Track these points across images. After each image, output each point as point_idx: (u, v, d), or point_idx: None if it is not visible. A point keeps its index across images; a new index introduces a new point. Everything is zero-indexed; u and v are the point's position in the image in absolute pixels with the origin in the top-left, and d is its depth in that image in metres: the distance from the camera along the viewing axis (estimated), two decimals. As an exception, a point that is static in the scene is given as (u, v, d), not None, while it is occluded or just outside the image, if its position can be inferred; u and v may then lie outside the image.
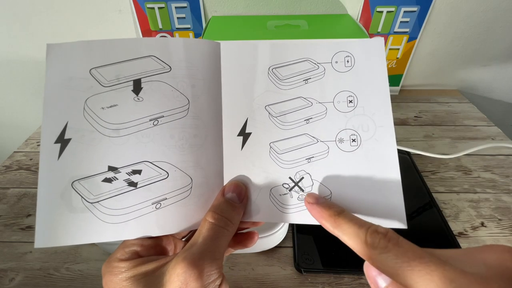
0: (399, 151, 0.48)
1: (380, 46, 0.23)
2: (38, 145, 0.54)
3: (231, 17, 0.56)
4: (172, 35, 0.60)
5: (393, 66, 0.65)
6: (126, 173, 0.20)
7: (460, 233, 0.38)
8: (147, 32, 0.60)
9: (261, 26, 0.53)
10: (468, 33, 0.61)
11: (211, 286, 0.18)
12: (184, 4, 0.57)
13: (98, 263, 0.36)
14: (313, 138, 0.22)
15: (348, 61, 0.23)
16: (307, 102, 0.23)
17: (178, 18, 0.58)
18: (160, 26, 0.59)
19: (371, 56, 0.23)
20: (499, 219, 0.39)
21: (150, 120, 0.21)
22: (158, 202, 0.20)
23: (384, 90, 0.22)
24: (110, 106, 0.20)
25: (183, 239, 0.24)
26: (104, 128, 0.20)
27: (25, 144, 0.54)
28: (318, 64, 0.23)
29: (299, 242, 0.36)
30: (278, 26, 0.53)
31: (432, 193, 0.42)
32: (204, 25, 0.59)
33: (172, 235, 0.22)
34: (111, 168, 0.20)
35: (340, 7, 0.58)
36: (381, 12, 0.57)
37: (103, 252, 0.37)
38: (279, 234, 0.34)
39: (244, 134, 0.22)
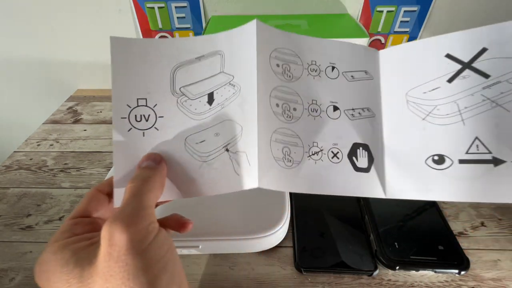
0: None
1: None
2: (38, 145, 0.54)
3: (231, 17, 0.56)
4: (172, 35, 0.60)
5: (393, 65, 0.65)
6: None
7: (460, 233, 0.38)
8: (147, 31, 0.60)
9: (261, 26, 0.53)
10: (468, 33, 0.61)
11: (143, 233, 0.17)
12: (184, 4, 0.57)
13: (98, 263, 0.36)
14: None
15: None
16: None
17: (178, 17, 0.58)
18: (160, 26, 0.59)
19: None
20: (499, 219, 0.39)
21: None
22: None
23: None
24: None
25: None
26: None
27: (25, 144, 0.54)
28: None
29: (299, 242, 0.36)
30: (278, 26, 0.53)
31: (432, 193, 0.42)
32: (204, 25, 0.59)
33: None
34: None
35: (340, 6, 0.58)
36: (381, 11, 0.57)
37: (103, 252, 0.37)
38: (279, 233, 0.34)
39: None
